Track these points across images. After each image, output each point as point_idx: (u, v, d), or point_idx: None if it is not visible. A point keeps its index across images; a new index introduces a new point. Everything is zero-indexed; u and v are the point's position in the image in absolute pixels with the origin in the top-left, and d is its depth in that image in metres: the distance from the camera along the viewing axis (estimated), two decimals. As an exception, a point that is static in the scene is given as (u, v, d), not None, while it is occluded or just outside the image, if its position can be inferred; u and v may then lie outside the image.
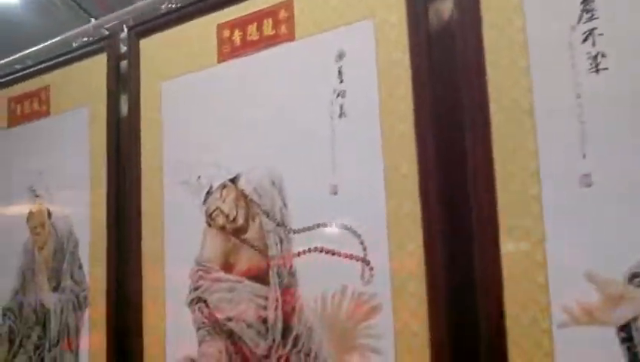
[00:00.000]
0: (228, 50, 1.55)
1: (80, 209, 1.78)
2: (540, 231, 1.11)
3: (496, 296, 1.14)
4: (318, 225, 1.36)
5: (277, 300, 1.39)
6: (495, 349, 1.13)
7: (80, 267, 1.77)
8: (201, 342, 1.50)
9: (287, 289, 1.39)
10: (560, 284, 1.09)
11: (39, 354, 1.84)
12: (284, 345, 1.38)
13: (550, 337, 1.09)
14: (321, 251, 1.35)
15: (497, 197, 1.15)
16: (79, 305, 1.75)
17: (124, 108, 1.75)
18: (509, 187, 1.15)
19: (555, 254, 1.10)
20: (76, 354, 1.75)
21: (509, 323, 1.13)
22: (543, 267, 1.11)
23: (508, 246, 1.14)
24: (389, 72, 1.30)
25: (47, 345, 1.82)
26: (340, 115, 1.36)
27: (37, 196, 1.92)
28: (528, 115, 1.14)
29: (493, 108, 1.18)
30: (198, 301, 1.52)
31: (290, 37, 1.45)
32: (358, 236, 1.30)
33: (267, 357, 1.40)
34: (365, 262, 1.29)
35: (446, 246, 1.22)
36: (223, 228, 1.50)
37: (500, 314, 1.13)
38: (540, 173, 1.13)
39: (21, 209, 1.95)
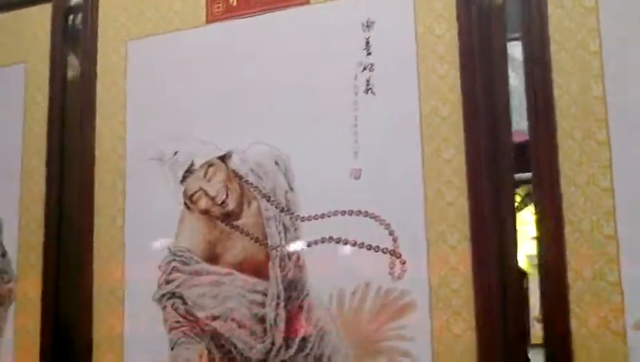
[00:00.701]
0: (220, 10, 1.34)
1: (7, 186, 1.48)
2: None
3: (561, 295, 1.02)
4: (335, 213, 1.20)
5: (279, 296, 1.22)
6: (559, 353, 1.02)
7: (3, 254, 1.47)
8: (174, 345, 1.28)
9: (293, 285, 1.22)
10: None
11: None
12: (288, 348, 1.19)
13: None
14: (338, 242, 1.19)
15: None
16: (1, 300, 1.46)
17: (72, 69, 1.47)
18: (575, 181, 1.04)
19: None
20: (-4, 358, 1.45)
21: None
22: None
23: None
24: (430, 47, 1.19)
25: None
26: (367, 91, 1.22)
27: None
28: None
29: (558, 92, 1.07)
30: (170, 296, 1.30)
31: (304, 0, 1.27)
32: (387, 226, 1.15)
33: (264, 361, 1.20)
34: (395, 255, 1.15)
35: (495, 240, 1.09)
36: (206, 213, 1.29)
37: (564, 314, 1.02)
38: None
39: None
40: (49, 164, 1.48)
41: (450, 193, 1.14)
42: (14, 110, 1.53)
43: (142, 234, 1.36)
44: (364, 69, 1.23)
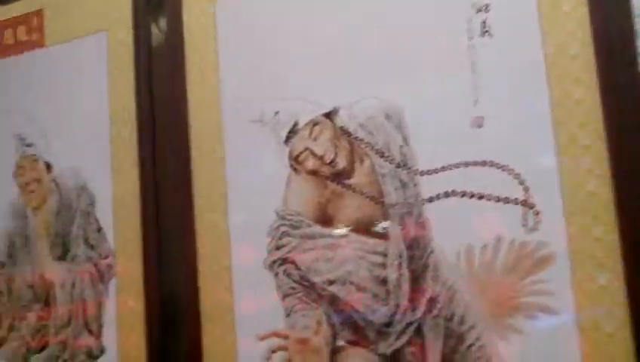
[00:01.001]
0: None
1: (97, 158, 1.44)
2: None
3: None
4: (458, 165, 1.13)
5: (400, 256, 1.16)
6: None
7: (99, 230, 1.44)
8: (289, 312, 1.23)
9: (415, 243, 1.15)
10: None
11: (41, 339, 1.48)
12: (414, 310, 1.13)
13: None
14: (462, 195, 1.12)
15: None
16: (100, 274, 1.42)
17: (157, 35, 1.41)
18: None
19: None
20: (97, 335, 1.42)
21: None
22: None
23: None
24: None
25: (52, 328, 1.46)
26: (483, 34, 1.13)
27: (27, 145, 1.54)
28: None
29: None
30: (282, 263, 1.24)
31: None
32: (517, 175, 1.08)
33: (389, 325, 1.15)
34: (528, 205, 1.07)
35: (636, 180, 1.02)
36: (315, 173, 1.23)
37: None
38: None
39: (6, 161, 1.56)
40: (140, 134, 1.42)
41: (586, 137, 1.05)
42: (98, 80, 1.46)
43: (245, 199, 1.31)
44: (479, 10, 1.15)
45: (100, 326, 1.44)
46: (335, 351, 1.20)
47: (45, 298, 1.51)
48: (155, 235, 1.40)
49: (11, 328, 1.55)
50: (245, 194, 1.31)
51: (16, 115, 1.59)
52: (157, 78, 1.44)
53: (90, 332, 1.44)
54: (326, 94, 1.25)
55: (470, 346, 1.12)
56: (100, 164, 1.46)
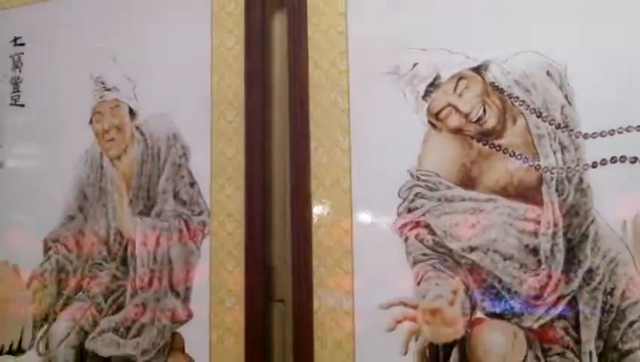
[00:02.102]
0: None
1: (194, 106, 1.36)
2: None
3: None
4: (629, 128, 1.08)
5: (555, 224, 1.11)
6: None
7: (192, 184, 1.36)
8: (420, 280, 1.16)
9: (574, 210, 1.10)
10: None
11: (115, 300, 1.39)
12: (569, 282, 1.08)
13: None
14: (633, 161, 1.07)
15: None
16: (191, 232, 1.34)
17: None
18: None
19: None
20: (185, 299, 1.34)
21: None
22: None
23: None
24: None
25: (129, 288, 1.38)
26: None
27: (108, 90, 1.45)
28: None
29: None
30: (415, 226, 1.18)
31: None
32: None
33: (539, 297, 1.10)
34: None
35: None
36: (458, 132, 1.17)
37: None
38: None
39: (81, 106, 1.47)
40: (248, 81, 1.35)
41: None
42: (200, 22, 1.39)
43: (373, 157, 1.25)
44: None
45: (189, 289, 1.34)
46: (472, 324, 1.14)
47: (122, 256, 1.41)
48: (261, 193, 1.31)
49: (79, 287, 1.45)
50: (373, 151, 1.23)
51: (97, 57, 1.49)
52: (269, 18, 1.35)
53: (177, 295, 1.35)
54: (475, 46, 1.20)
55: (632, 323, 1.06)
56: (197, 113, 1.37)
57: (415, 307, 1.18)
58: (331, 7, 1.30)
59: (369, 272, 1.23)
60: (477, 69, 1.19)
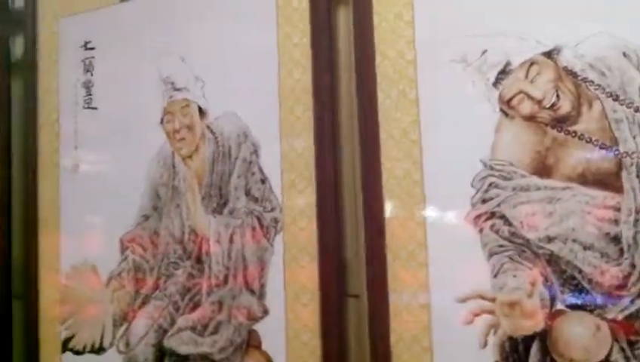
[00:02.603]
0: None
1: (262, 103, 1.37)
2: None
3: None
4: None
5: (637, 211, 1.09)
6: None
7: (263, 180, 1.37)
8: (497, 273, 1.14)
9: (657, 196, 1.06)
10: None
11: (192, 298, 1.42)
12: (654, 271, 1.04)
13: None
14: None
15: None
16: (264, 229, 1.35)
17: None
18: None
19: None
20: (260, 295, 1.35)
21: None
22: None
23: None
24: None
25: (205, 286, 1.40)
26: None
27: (177, 90, 1.48)
28: None
29: None
30: (490, 217, 1.16)
31: None
32: None
33: (622, 287, 1.07)
34: None
35: None
36: (531, 119, 1.15)
37: None
38: None
39: (151, 107, 1.50)
40: (315, 76, 1.35)
41: None
42: (266, 18, 1.40)
43: (443, 147, 1.24)
44: None
45: (264, 286, 1.36)
46: (553, 316, 1.12)
47: (197, 254, 1.44)
48: (332, 187, 1.32)
49: (156, 286, 1.48)
50: (443, 141, 1.22)
51: (166, 58, 1.53)
52: (334, 10, 1.35)
53: (251, 292, 1.37)
54: (546, 30, 1.17)
55: None
56: (266, 109, 1.38)
57: (492, 300, 1.18)
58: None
59: (444, 265, 1.23)
60: (549, 54, 1.17)
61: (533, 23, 1.19)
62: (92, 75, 1.65)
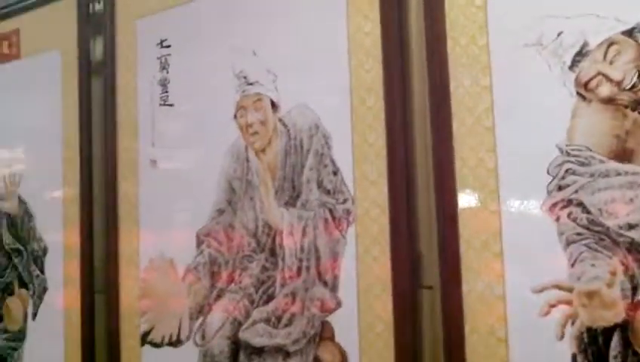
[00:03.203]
0: None
1: (333, 94, 1.37)
2: None
3: None
4: None
5: None
6: None
7: (335, 172, 1.37)
8: (574, 262, 1.11)
9: None
10: None
11: (265, 291, 1.43)
12: None
13: None
14: None
15: None
16: (337, 221, 1.35)
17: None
18: None
19: None
20: (333, 287, 1.35)
21: None
22: None
23: None
24: None
25: (278, 278, 1.40)
26: None
27: (250, 84, 1.49)
28: None
29: None
30: (567, 204, 1.13)
31: None
32: None
33: None
34: None
35: None
36: (610, 102, 1.11)
37: None
38: None
39: (224, 102, 1.52)
40: (386, 65, 1.37)
41: None
42: (335, 11, 1.40)
43: (518, 134, 1.22)
44: None
45: (337, 278, 1.36)
46: (635, 306, 1.09)
47: (271, 247, 1.45)
48: (404, 178, 1.31)
49: (231, 279, 1.50)
50: (518, 128, 1.20)
51: (238, 53, 1.55)
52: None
53: (324, 284, 1.37)
54: (625, 7, 1.13)
55: None
56: (337, 100, 1.39)
57: (570, 290, 1.15)
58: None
59: (519, 254, 1.21)
60: (629, 32, 1.14)
61: (611, 1, 1.16)
62: (168, 72, 1.69)
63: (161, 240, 1.65)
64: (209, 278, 1.56)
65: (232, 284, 1.52)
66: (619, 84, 1.13)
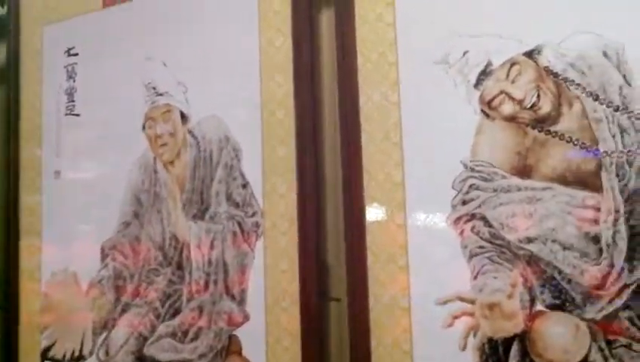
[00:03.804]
0: None
1: (244, 107, 1.40)
2: None
3: None
4: (692, 107, 1.05)
5: (617, 211, 1.10)
6: None
7: (244, 185, 1.40)
8: (477, 274, 1.16)
9: (636, 195, 1.09)
10: None
11: (172, 305, 1.44)
12: (632, 271, 1.07)
13: None
14: (698, 142, 1.05)
15: None
16: (245, 234, 1.37)
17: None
18: None
19: None
20: (241, 301, 1.37)
21: None
22: None
23: None
24: None
25: (185, 292, 1.42)
26: None
27: (159, 95, 1.50)
28: None
29: None
30: (470, 218, 1.19)
31: None
32: None
33: (601, 287, 1.09)
34: None
35: None
36: (512, 120, 1.18)
37: None
38: None
39: (133, 112, 1.53)
40: (296, 79, 1.39)
41: None
42: (248, 21, 1.43)
43: (425, 149, 1.26)
44: None
45: (244, 291, 1.38)
46: (533, 317, 1.14)
47: (178, 260, 1.46)
48: (313, 191, 1.34)
49: (137, 293, 1.50)
50: (424, 144, 1.25)
51: (148, 63, 1.55)
52: (316, 13, 1.38)
53: (232, 297, 1.39)
54: (526, 30, 1.20)
55: (702, 311, 1.05)
56: (248, 113, 1.41)
57: (472, 302, 1.19)
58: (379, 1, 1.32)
59: (424, 267, 1.24)
60: (530, 54, 1.20)
61: (514, 23, 1.22)
62: (75, 81, 1.67)
63: (65, 254, 1.62)
64: (114, 292, 1.54)
65: (138, 298, 1.51)
66: (520, 102, 1.19)
